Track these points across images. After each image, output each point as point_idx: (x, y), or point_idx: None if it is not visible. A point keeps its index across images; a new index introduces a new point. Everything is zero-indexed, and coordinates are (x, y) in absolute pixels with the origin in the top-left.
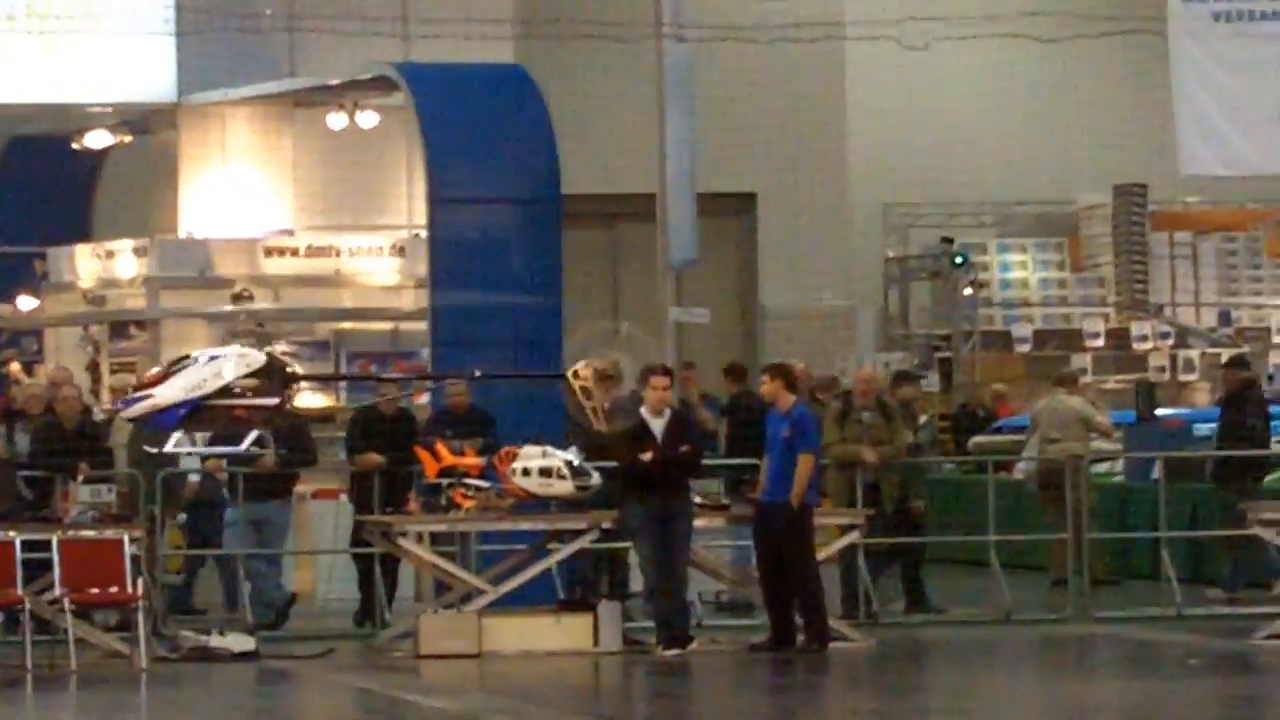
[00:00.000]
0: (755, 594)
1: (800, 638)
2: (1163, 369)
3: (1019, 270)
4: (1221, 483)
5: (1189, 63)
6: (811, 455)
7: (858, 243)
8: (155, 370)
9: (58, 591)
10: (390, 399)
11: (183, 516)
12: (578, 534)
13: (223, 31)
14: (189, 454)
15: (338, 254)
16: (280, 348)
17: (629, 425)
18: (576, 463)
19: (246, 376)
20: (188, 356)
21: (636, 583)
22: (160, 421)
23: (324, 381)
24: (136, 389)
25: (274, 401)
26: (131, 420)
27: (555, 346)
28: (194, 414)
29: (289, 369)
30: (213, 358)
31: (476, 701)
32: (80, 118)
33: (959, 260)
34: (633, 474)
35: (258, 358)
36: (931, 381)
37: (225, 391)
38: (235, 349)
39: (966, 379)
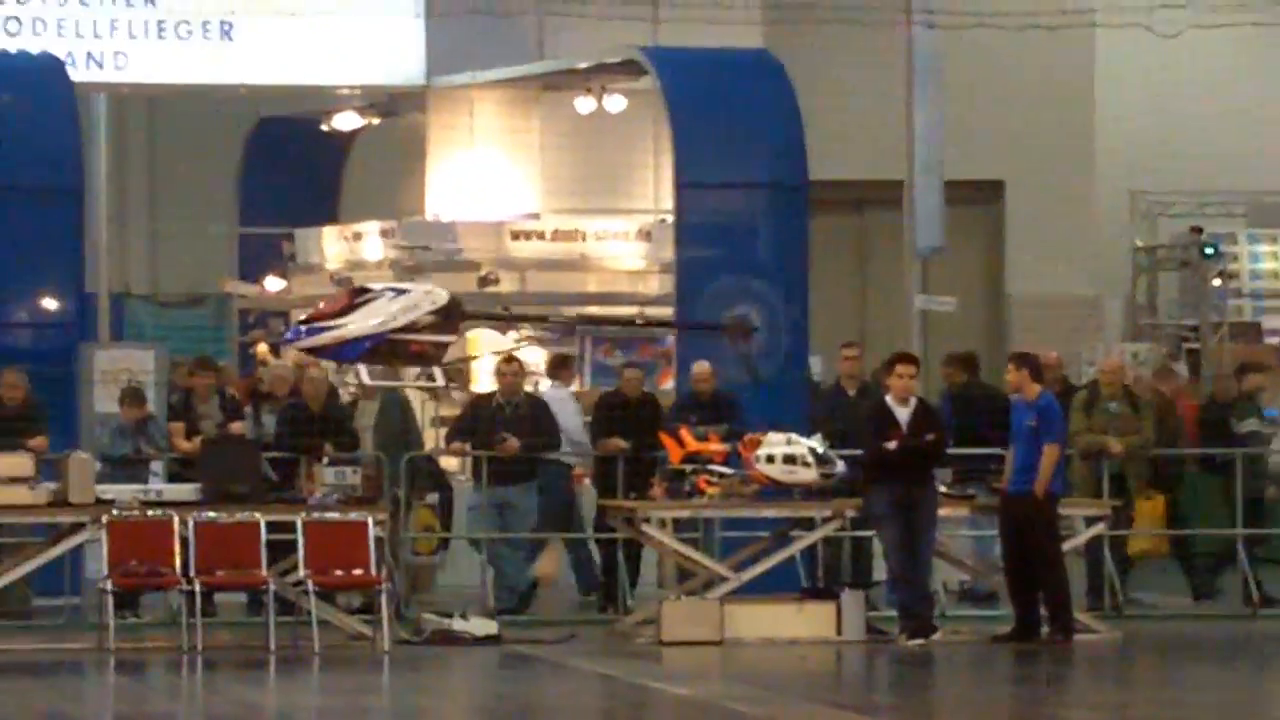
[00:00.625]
0: (998, 584)
1: (1045, 629)
2: None
3: (1270, 261)
4: None
5: None
6: (1057, 445)
7: (1105, 231)
8: (331, 300)
9: (302, 573)
10: (635, 382)
11: (432, 497)
12: (822, 521)
13: (472, 14)
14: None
15: (583, 238)
16: (525, 331)
17: (874, 412)
18: (821, 450)
19: (429, 313)
20: (367, 289)
21: (880, 571)
22: (342, 354)
23: (492, 320)
24: (314, 318)
25: (451, 339)
26: (307, 351)
27: (801, 333)
28: (376, 349)
29: (463, 307)
30: (400, 292)
31: (718, 689)
32: (329, 99)
33: (1209, 250)
34: (877, 462)
35: (442, 295)
36: (1180, 372)
37: (406, 327)
38: (422, 286)
39: (1214, 370)
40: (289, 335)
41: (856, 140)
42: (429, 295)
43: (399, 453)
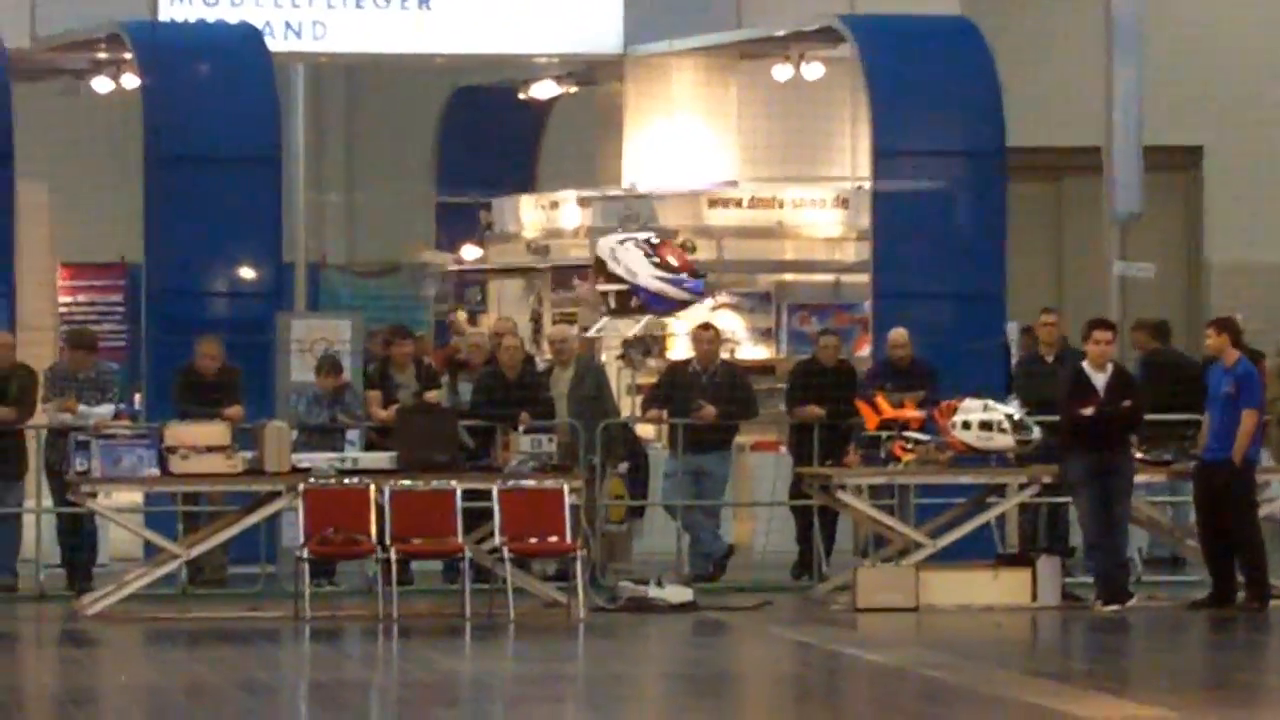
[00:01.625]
0: (1192, 550)
1: (1241, 595)
2: None
3: None
4: None
5: None
6: (1255, 411)
7: None
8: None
9: (497, 541)
10: (831, 350)
11: (624, 466)
12: (1018, 488)
13: None
14: None
15: (780, 206)
16: (722, 299)
17: (1071, 378)
18: (1018, 416)
19: None
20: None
21: (1076, 537)
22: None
23: None
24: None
25: None
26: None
27: (999, 300)
28: None
29: None
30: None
31: (913, 655)
32: (526, 68)
33: None
34: (1074, 428)
35: None
36: None
37: None
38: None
39: None
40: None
41: (1055, 106)
42: None
43: (594, 420)
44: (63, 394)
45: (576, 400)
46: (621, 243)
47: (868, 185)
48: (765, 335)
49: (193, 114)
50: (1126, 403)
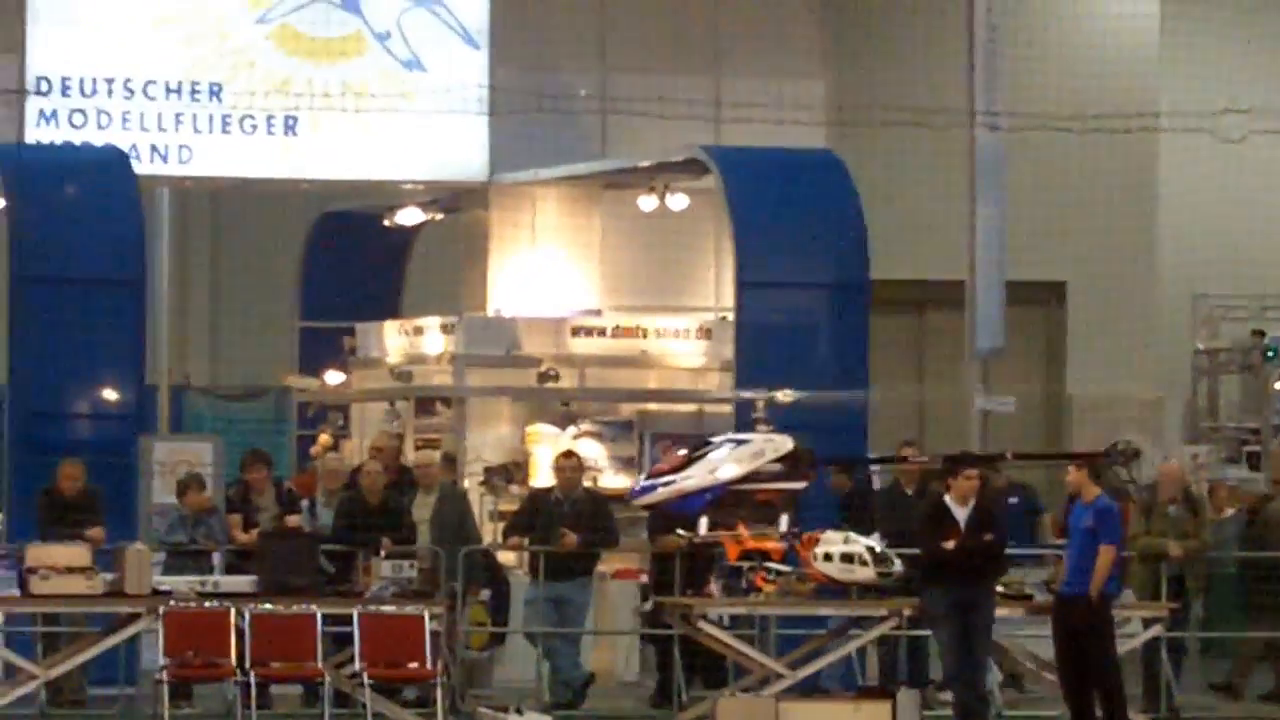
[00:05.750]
0: (1050, 684)
1: None
2: None
3: None
4: None
5: None
6: (1113, 547)
7: (1167, 334)
8: (676, 455)
9: (357, 666)
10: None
11: (485, 593)
12: (879, 620)
13: (535, 112)
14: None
15: (644, 335)
16: (584, 427)
17: (932, 512)
18: (879, 549)
19: (773, 461)
20: (709, 443)
21: (936, 670)
22: (685, 506)
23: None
24: (654, 474)
25: (800, 485)
26: (649, 507)
27: (860, 432)
28: (720, 499)
29: (813, 452)
30: (739, 443)
31: None
32: (392, 195)
33: (1270, 353)
34: (935, 561)
35: (785, 443)
36: (1240, 476)
37: (750, 477)
38: (761, 435)
39: (1276, 474)
40: (633, 491)
41: (918, 240)
42: (770, 443)
43: (456, 546)
44: None
45: (438, 526)
46: None
47: (731, 316)
48: (627, 464)
49: (58, 235)
50: (988, 537)
